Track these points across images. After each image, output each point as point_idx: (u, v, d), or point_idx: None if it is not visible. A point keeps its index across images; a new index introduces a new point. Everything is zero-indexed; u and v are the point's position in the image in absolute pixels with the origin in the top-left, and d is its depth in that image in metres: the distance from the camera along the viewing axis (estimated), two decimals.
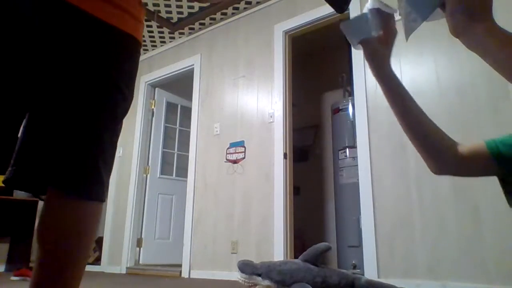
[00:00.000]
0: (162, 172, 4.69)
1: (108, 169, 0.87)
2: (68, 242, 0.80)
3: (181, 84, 4.77)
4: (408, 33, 0.65)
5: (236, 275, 1.92)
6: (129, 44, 0.90)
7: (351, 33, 0.72)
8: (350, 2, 0.74)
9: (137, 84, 4.78)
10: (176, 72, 4.44)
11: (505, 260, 2.13)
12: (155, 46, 4.64)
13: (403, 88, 0.75)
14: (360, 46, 0.74)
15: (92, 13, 0.82)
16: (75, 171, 0.79)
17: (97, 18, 0.83)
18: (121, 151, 4.71)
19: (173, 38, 4.46)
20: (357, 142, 2.86)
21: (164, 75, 4.55)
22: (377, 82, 0.75)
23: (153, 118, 4.72)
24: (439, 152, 0.74)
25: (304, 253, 1.88)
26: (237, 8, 3.87)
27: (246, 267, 1.85)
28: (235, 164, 3.56)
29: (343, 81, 4.17)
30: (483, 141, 0.73)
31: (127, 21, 0.88)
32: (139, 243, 4.34)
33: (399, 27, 0.69)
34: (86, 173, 0.81)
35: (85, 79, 0.82)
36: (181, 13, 3.96)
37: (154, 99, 4.75)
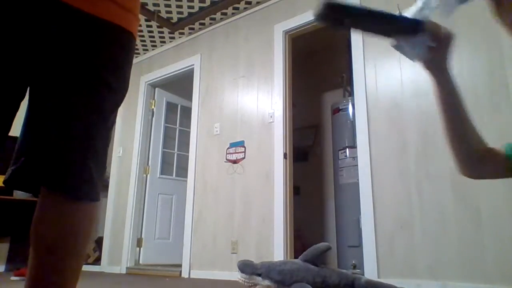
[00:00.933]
0: (162, 172, 4.69)
1: (99, 165, 0.85)
2: (62, 242, 0.79)
3: (181, 84, 4.77)
4: (446, 17, 0.63)
5: (236, 275, 1.92)
6: (114, 34, 0.86)
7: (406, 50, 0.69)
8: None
9: (137, 84, 4.78)
10: (176, 72, 4.44)
11: (505, 260, 2.13)
12: (155, 46, 4.64)
13: (458, 92, 0.74)
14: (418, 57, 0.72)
15: (66, 1, 0.79)
16: (63, 171, 0.78)
17: (71, 7, 0.80)
18: (121, 151, 4.72)
19: (173, 38, 4.46)
20: (357, 142, 2.86)
21: (164, 75, 4.54)
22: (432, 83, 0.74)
23: (153, 118, 4.72)
24: (478, 163, 0.75)
25: (304, 253, 1.88)
26: (237, 8, 3.87)
27: (246, 267, 1.85)
28: (235, 164, 3.56)
29: (343, 81, 4.17)
30: (504, 144, 0.73)
31: (110, 10, 0.85)
32: (139, 243, 4.34)
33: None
34: (74, 173, 0.79)
35: (64, 74, 0.80)
36: (181, 13, 3.96)
37: (154, 99, 4.75)
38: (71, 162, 0.79)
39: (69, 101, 0.80)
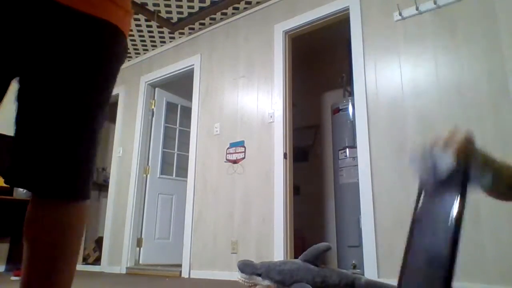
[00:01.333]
0: (162, 172, 4.69)
1: (86, 164, 0.83)
2: (53, 243, 0.79)
3: (181, 84, 4.77)
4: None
5: (236, 275, 1.92)
6: (102, 31, 0.84)
7: None
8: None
9: (137, 84, 4.78)
10: (176, 72, 4.44)
11: (505, 260, 2.13)
12: (155, 46, 4.64)
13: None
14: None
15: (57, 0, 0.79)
16: (48, 175, 0.77)
17: (62, 4, 0.79)
18: (121, 151, 4.72)
19: (173, 38, 4.46)
20: (357, 142, 2.86)
21: (164, 75, 4.55)
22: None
23: (153, 118, 4.72)
24: None
25: (304, 253, 1.88)
26: (237, 8, 3.87)
27: (246, 267, 1.85)
28: (235, 164, 3.56)
29: (343, 81, 4.17)
30: None
31: (99, 6, 0.83)
32: (139, 243, 4.34)
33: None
34: (59, 176, 0.78)
35: (50, 73, 0.78)
36: (181, 13, 3.96)
37: (154, 99, 4.75)
38: (56, 165, 0.78)
39: (54, 100, 0.78)
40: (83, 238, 5.07)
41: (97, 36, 0.84)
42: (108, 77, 0.88)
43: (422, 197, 0.65)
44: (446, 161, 0.58)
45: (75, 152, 0.80)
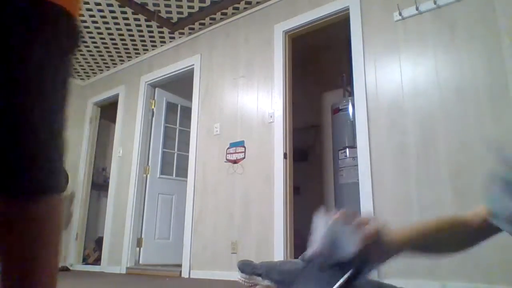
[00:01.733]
0: (162, 172, 4.69)
1: (44, 156, 0.75)
2: (26, 240, 0.74)
3: (181, 84, 4.77)
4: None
5: (236, 275, 1.92)
6: (50, 16, 0.76)
7: None
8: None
9: (137, 84, 4.78)
10: (176, 72, 4.44)
11: (505, 260, 2.13)
12: (155, 46, 4.64)
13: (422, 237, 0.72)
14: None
15: None
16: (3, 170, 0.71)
17: None
18: (121, 151, 4.72)
19: (173, 38, 4.45)
20: (357, 142, 2.86)
21: (164, 75, 4.55)
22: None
23: (153, 118, 4.72)
24: (471, 243, 0.79)
25: (304, 253, 1.87)
26: (237, 8, 3.87)
27: (246, 267, 1.85)
28: (235, 164, 3.56)
29: (343, 81, 4.17)
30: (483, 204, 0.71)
31: None
32: (139, 243, 4.34)
33: None
34: (14, 170, 0.71)
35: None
36: (181, 13, 3.96)
37: (154, 99, 4.75)
38: (12, 160, 0.71)
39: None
40: (84, 237, 5.07)
41: (37, 18, 0.75)
42: (50, 58, 0.78)
43: (309, 267, 0.65)
44: (352, 245, 0.58)
45: (29, 144, 0.73)
